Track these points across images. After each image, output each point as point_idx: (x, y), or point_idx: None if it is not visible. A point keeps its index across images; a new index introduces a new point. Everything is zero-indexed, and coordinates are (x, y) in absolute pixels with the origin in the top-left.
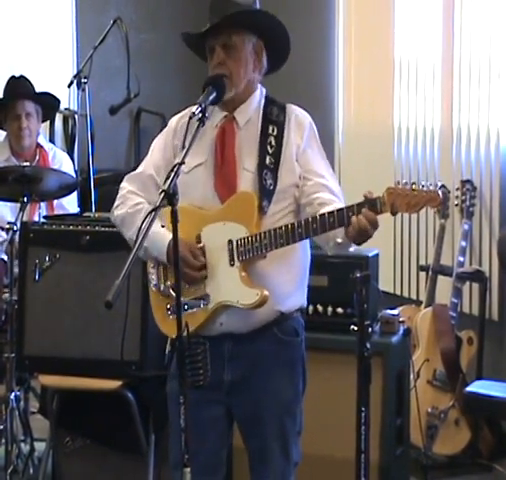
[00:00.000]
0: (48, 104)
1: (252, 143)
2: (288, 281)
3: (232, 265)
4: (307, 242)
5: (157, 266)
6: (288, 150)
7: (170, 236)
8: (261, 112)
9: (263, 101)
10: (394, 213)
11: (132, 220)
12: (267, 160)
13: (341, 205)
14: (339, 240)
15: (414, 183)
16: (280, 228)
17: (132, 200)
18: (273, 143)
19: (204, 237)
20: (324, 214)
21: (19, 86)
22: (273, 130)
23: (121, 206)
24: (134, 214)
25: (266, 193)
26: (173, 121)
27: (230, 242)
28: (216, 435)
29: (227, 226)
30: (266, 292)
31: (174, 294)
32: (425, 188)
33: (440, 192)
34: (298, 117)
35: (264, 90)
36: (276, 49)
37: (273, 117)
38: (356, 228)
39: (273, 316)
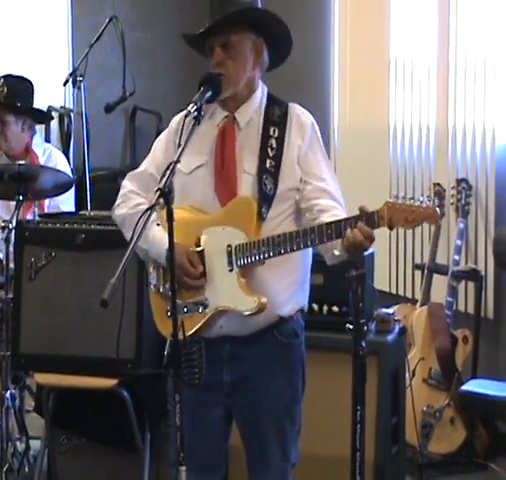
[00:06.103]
0: (33, 116)
1: (253, 145)
2: (288, 285)
3: (230, 270)
4: None
5: (157, 268)
6: (289, 153)
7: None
8: (262, 112)
9: (265, 100)
10: (391, 228)
11: (132, 221)
12: (267, 163)
13: (340, 211)
14: (336, 252)
15: (412, 198)
16: (279, 236)
17: (133, 200)
18: (274, 145)
19: (203, 241)
20: (322, 225)
21: None
22: (274, 132)
23: (122, 205)
24: (134, 215)
25: (265, 198)
26: (174, 120)
27: (229, 247)
28: (216, 436)
29: (226, 231)
30: (264, 299)
31: None
32: (424, 204)
33: (438, 210)
34: (300, 117)
35: (266, 88)
36: (277, 44)
37: (275, 118)
38: (350, 241)
39: (273, 320)
